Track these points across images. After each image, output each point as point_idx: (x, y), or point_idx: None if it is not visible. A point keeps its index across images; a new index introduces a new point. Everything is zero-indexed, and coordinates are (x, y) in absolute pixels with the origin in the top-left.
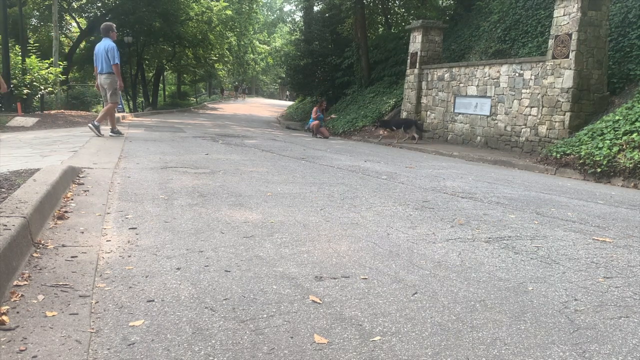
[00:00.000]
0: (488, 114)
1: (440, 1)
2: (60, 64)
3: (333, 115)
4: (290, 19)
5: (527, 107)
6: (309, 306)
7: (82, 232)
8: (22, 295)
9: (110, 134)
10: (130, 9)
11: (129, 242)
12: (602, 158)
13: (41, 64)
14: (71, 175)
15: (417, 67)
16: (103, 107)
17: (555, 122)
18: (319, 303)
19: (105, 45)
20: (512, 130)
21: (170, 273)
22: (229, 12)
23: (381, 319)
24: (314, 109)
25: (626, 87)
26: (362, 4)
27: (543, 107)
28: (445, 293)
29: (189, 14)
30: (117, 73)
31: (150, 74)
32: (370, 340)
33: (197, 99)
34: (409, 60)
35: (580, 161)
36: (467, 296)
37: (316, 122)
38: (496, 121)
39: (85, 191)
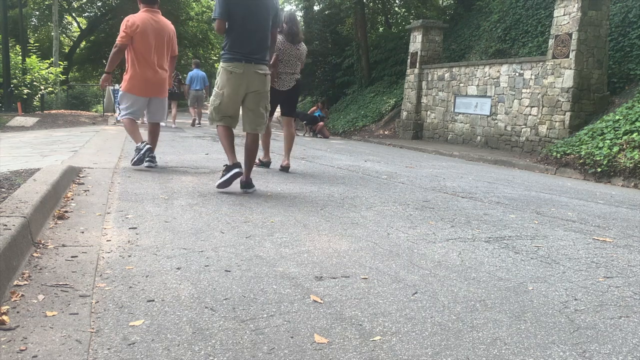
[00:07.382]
0: (488, 113)
1: (441, 1)
2: (60, 64)
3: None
4: None
5: (527, 106)
6: (309, 306)
7: (82, 232)
8: (22, 295)
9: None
10: (130, 9)
11: (129, 241)
12: (602, 158)
13: (41, 64)
14: (71, 175)
15: (417, 66)
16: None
17: (556, 121)
18: (319, 303)
19: (202, 74)
20: (513, 130)
21: (170, 273)
22: None
23: (381, 318)
24: (314, 108)
25: (626, 86)
26: (363, 4)
27: (543, 106)
28: (445, 293)
29: (189, 14)
30: (207, 91)
31: None
32: (371, 340)
33: None
34: (409, 60)
35: (581, 161)
36: (467, 296)
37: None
38: (496, 121)
39: (85, 191)
